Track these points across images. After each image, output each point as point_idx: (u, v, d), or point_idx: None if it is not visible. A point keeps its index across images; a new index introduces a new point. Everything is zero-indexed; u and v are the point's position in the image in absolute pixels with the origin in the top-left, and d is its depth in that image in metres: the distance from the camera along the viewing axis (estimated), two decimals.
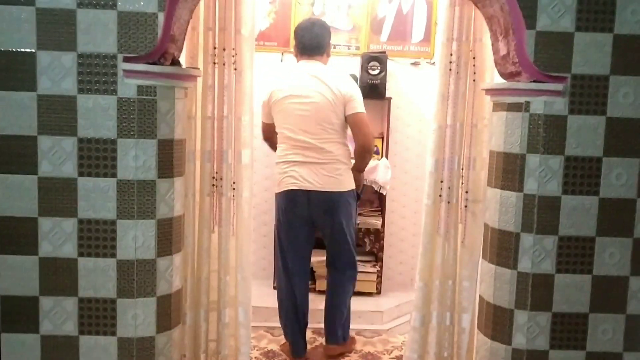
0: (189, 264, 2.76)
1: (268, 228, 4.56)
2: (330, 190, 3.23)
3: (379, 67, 4.26)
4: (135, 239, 2.37)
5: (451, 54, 2.76)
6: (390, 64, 4.33)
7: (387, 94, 4.32)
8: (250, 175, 2.86)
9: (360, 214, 4.36)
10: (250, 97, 2.80)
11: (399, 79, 4.54)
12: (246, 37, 2.75)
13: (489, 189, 2.56)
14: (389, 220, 4.54)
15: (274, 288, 4.34)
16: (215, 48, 2.71)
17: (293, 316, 3.43)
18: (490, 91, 2.60)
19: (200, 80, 2.70)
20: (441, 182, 2.81)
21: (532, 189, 2.40)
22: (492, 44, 2.65)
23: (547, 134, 2.38)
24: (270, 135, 3.49)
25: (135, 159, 2.34)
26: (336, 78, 3.23)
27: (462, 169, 2.84)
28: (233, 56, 2.76)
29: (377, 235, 4.38)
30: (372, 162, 4.18)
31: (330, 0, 4.46)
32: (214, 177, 2.73)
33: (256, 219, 4.58)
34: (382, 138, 4.46)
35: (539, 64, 2.36)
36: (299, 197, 3.26)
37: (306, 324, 3.51)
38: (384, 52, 4.38)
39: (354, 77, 3.98)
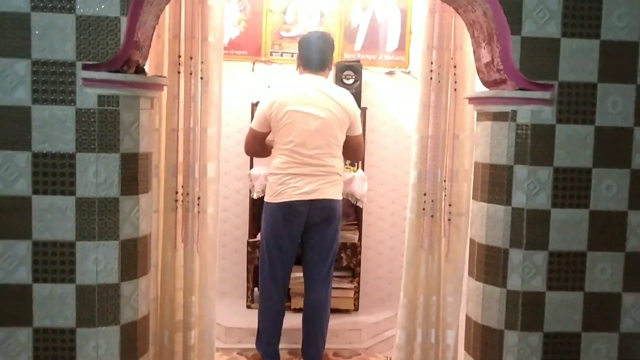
0: (153, 284, 2.57)
1: (240, 244, 4.38)
2: (330, 197, 3.27)
3: (354, 77, 4.14)
4: (97, 262, 2.17)
5: (431, 63, 2.63)
6: (364, 74, 4.20)
7: (362, 104, 4.19)
8: (215, 189, 2.70)
9: None
10: (218, 108, 2.64)
11: (374, 88, 4.42)
12: (214, 45, 2.58)
13: (474, 203, 2.43)
14: (366, 233, 4.39)
15: (248, 307, 4.16)
16: (180, 57, 2.55)
17: (276, 330, 3.42)
18: (474, 100, 2.48)
19: (165, 90, 2.52)
20: (424, 195, 2.68)
21: (520, 202, 2.27)
22: (474, 51, 2.54)
23: (535, 145, 2.25)
24: (257, 146, 3.41)
25: (96, 174, 2.15)
26: (342, 95, 3.29)
27: (445, 181, 2.72)
28: (200, 64, 2.60)
29: (354, 249, 4.22)
30: (348, 174, 4.05)
31: (302, 8, 4.32)
32: (177, 193, 2.56)
33: (227, 235, 4.40)
34: None
35: (525, 71, 2.25)
36: (300, 207, 3.24)
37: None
38: (359, 61, 4.25)
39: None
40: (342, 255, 4.20)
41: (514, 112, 2.26)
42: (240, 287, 4.37)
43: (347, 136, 3.29)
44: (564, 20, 2.23)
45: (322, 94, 3.20)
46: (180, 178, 2.58)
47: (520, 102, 2.26)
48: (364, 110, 4.22)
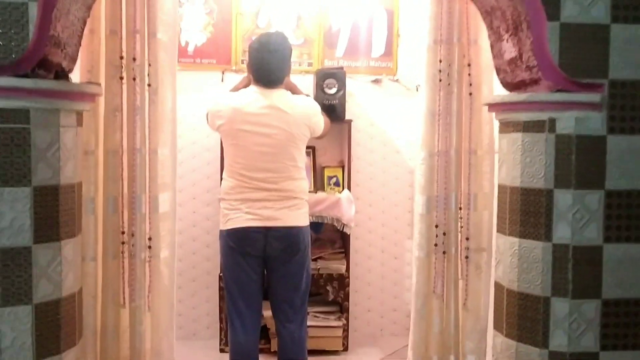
0: (89, 355, 1.93)
1: (212, 278, 3.73)
2: (289, 225, 2.66)
3: (336, 85, 3.55)
4: (1, 336, 1.55)
5: (440, 61, 2.05)
6: (348, 82, 3.62)
7: (347, 116, 3.61)
8: (171, 227, 2.05)
9: (320, 257, 3.61)
10: (171, 123, 2.01)
11: (359, 98, 3.82)
12: (164, 44, 1.95)
13: (500, 237, 1.86)
14: (354, 261, 3.77)
15: (221, 351, 3.53)
16: (122, 58, 1.93)
17: None
18: (497, 106, 1.90)
19: (102, 101, 1.92)
20: (435, 227, 2.10)
21: (564, 236, 1.70)
22: (492, 46, 1.98)
23: (581, 162, 1.69)
24: None
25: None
26: (299, 107, 2.66)
27: (460, 209, 2.14)
28: (147, 68, 1.96)
29: (342, 281, 3.60)
30: (332, 197, 3.46)
31: (276, 10, 3.74)
32: (123, 233, 1.95)
33: (197, 267, 3.77)
34: (343, 167, 3.73)
35: (566, 68, 1.69)
36: (254, 234, 2.63)
37: None
38: (342, 68, 3.67)
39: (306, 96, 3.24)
40: (328, 288, 3.58)
41: (552, 121, 1.69)
42: (213, 327, 3.71)
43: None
44: (614, 2, 1.70)
45: (274, 111, 2.60)
46: (125, 214, 1.97)
47: (560, 107, 1.70)
48: (348, 123, 3.65)
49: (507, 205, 1.83)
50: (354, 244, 3.75)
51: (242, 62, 3.68)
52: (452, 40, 2.08)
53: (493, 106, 1.93)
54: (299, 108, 2.64)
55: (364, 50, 3.79)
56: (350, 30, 3.78)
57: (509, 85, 1.93)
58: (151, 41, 1.95)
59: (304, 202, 2.69)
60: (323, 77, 3.53)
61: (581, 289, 1.69)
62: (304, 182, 2.72)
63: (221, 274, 3.21)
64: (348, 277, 3.61)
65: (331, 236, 3.77)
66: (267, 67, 2.63)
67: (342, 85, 3.52)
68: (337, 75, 3.53)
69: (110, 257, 1.99)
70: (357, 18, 3.77)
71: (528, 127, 1.75)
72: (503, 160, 1.87)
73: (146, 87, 1.97)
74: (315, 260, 3.49)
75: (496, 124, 2.08)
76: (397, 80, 3.80)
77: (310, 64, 3.76)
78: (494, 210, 2.15)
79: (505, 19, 1.84)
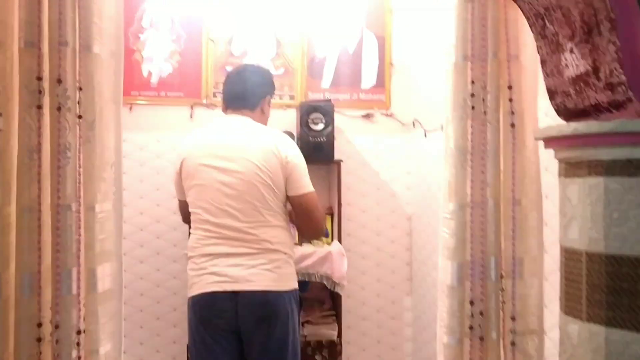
0: None
1: (179, 348, 3.09)
2: (265, 289, 2.01)
3: (323, 121, 3.00)
4: None
5: (472, 82, 1.53)
6: (336, 117, 3.09)
7: (336, 156, 3.07)
8: (115, 309, 1.46)
9: (308, 322, 3.00)
10: (114, 168, 1.44)
11: (349, 136, 3.29)
12: (104, 61, 1.40)
13: (569, 321, 1.29)
14: (346, 323, 3.15)
15: None
16: (40, 79, 1.35)
17: None
18: (558, 141, 1.38)
19: (13, 138, 1.33)
20: (470, 303, 1.52)
21: None
22: (544, 61, 1.45)
23: None
24: (188, 218, 2.20)
25: None
26: (274, 138, 2.08)
27: (502, 278, 1.58)
28: (77, 93, 1.35)
29: (332, 349, 2.97)
30: (321, 250, 2.88)
31: (253, 36, 3.21)
32: (39, 325, 1.33)
33: (162, 335, 3.13)
34: (332, 215, 3.16)
35: None
36: (222, 302, 2.02)
37: None
38: (329, 101, 3.14)
39: (289, 135, 2.65)
40: (317, 358, 2.99)
41: None
42: None
43: (289, 197, 2.08)
44: None
45: (240, 138, 2.06)
46: (44, 296, 1.37)
47: None
48: (337, 164, 3.10)
49: (584, 278, 1.26)
50: (345, 304, 3.15)
51: (215, 96, 3.13)
52: (485, 56, 1.54)
53: (552, 140, 1.38)
54: (267, 136, 2.06)
55: (353, 82, 3.27)
56: (337, 59, 3.26)
57: (571, 113, 1.39)
58: (84, 57, 1.37)
59: (286, 259, 2.04)
60: (308, 111, 2.98)
61: None
62: (284, 232, 2.07)
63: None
64: (340, 344, 2.98)
65: (319, 295, 3.17)
66: (235, 88, 2.14)
67: (329, 121, 2.98)
68: (324, 109, 2.99)
69: (24, 356, 1.36)
70: (345, 45, 3.26)
71: (614, 168, 1.20)
72: (572, 215, 1.31)
73: (77, 121, 1.37)
74: (301, 325, 2.89)
75: (548, 164, 1.54)
76: (390, 115, 3.28)
77: (292, 97, 3.21)
78: (541, 276, 1.59)
79: (570, 20, 1.31)
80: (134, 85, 3.06)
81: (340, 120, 3.17)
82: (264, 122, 2.20)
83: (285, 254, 2.05)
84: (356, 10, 3.24)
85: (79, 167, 1.36)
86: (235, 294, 1.99)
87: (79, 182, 1.37)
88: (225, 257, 1.97)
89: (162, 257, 3.09)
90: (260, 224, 2.00)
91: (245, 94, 2.14)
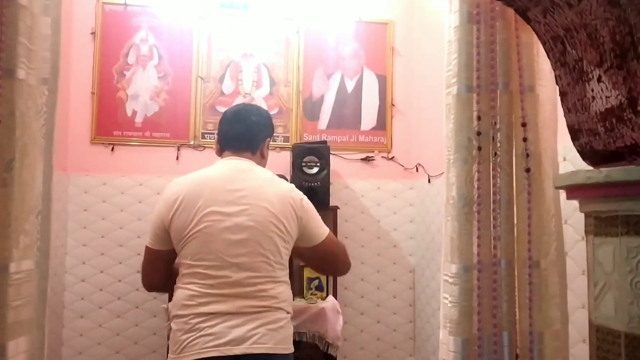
0: None
1: None
2: (271, 352, 1.68)
3: (318, 164, 2.73)
4: None
5: (478, 118, 1.24)
6: (333, 160, 2.82)
7: (332, 202, 2.78)
8: None
9: None
10: (41, 218, 1.16)
11: (347, 180, 3.02)
12: (31, 87, 1.14)
13: None
14: None
15: None
16: None
17: None
18: (585, 190, 1.09)
19: None
20: None
21: None
22: (564, 93, 1.18)
23: None
24: (157, 275, 1.84)
25: None
26: (284, 182, 1.81)
27: (517, 359, 1.26)
28: None
29: None
30: (314, 307, 2.57)
31: (245, 73, 2.98)
32: None
33: None
34: None
35: None
36: None
37: None
38: (325, 143, 2.88)
39: (282, 178, 2.36)
40: None
41: None
42: None
43: (306, 248, 1.81)
44: None
45: (255, 183, 1.76)
46: None
47: None
48: (333, 210, 2.81)
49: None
50: None
51: (203, 137, 2.88)
52: (494, 87, 1.26)
53: (577, 190, 1.09)
54: (281, 182, 1.79)
55: (351, 123, 3.01)
56: (335, 98, 3.01)
57: (599, 155, 1.10)
58: (8, 84, 1.11)
59: (289, 319, 1.76)
60: (302, 153, 2.71)
61: None
62: (288, 288, 1.80)
63: None
64: None
65: (312, 356, 2.83)
66: (234, 129, 1.85)
67: (325, 164, 2.71)
68: (319, 152, 2.72)
69: None
70: (343, 84, 3.03)
71: None
72: (605, 284, 1.01)
73: None
74: None
75: (568, 217, 1.25)
76: (392, 159, 3.01)
77: (286, 139, 2.95)
78: (569, 357, 1.27)
79: (597, 42, 1.04)
80: (117, 124, 2.82)
81: (337, 163, 2.90)
82: (263, 167, 1.92)
83: (288, 313, 1.76)
84: (356, 47, 3.01)
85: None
86: (236, 358, 1.67)
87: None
88: (226, 317, 1.66)
89: (140, 312, 2.78)
90: (270, 279, 1.72)
91: (245, 135, 1.85)
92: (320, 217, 1.81)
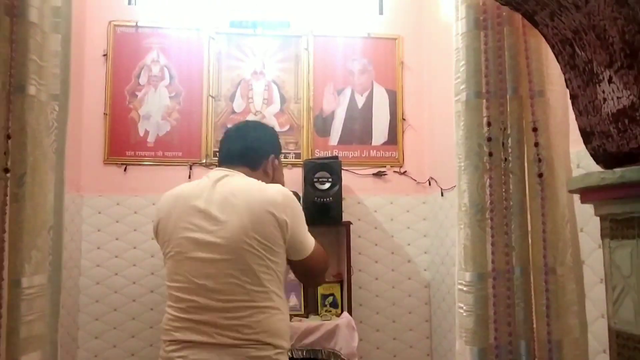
0: None
1: None
2: None
3: (330, 180, 2.73)
4: None
5: (488, 124, 1.23)
6: (345, 176, 2.82)
7: (344, 217, 2.76)
8: None
9: None
10: (53, 234, 1.15)
11: (360, 195, 3.01)
12: (38, 102, 1.15)
13: None
14: None
15: None
16: None
17: None
18: (599, 192, 1.07)
19: None
20: None
21: None
22: (575, 96, 1.16)
23: None
24: None
25: None
26: (265, 192, 1.54)
27: None
28: (6, 140, 1.10)
29: None
30: (328, 323, 2.54)
31: (255, 92, 3.01)
32: None
33: None
34: (341, 282, 2.82)
35: None
36: None
37: None
38: (336, 158, 2.87)
39: (295, 195, 2.33)
40: None
41: None
42: None
43: (290, 260, 1.59)
44: None
45: (223, 196, 1.55)
46: None
47: None
48: (346, 226, 2.79)
49: None
50: None
51: (215, 155, 2.89)
52: (504, 92, 1.25)
53: (591, 192, 1.07)
54: (262, 192, 1.54)
55: (362, 138, 3.01)
56: (345, 114, 3.02)
57: (612, 158, 1.08)
58: (17, 101, 1.12)
59: (276, 355, 1.50)
60: (313, 169, 2.71)
61: None
62: (280, 318, 1.53)
63: None
64: None
65: None
66: (233, 145, 1.71)
67: (337, 180, 2.70)
68: (331, 167, 2.72)
69: None
70: (353, 100, 3.03)
71: None
72: (624, 288, 0.99)
73: (3, 174, 1.11)
74: None
75: (583, 223, 1.22)
76: (404, 173, 2.99)
77: (297, 155, 2.95)
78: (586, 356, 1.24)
79: (607, 43, 1.03)
80: (130, 144, 2.84)
81: (349, 179, 2.89)
82: (261, 177, 1.82)
83: (275, 347, 1.50)
84: (365, 63, 3.02)
85: (3, 231, 1.09)
86: None
87: (2, 250, 1.09)
88: (199, 348, 1.46)
89: (155, 331, 2.76)
90: (247, 305, 1.49)
91: (242, 150, 1.70)
92: (307, 232, 1.59)
